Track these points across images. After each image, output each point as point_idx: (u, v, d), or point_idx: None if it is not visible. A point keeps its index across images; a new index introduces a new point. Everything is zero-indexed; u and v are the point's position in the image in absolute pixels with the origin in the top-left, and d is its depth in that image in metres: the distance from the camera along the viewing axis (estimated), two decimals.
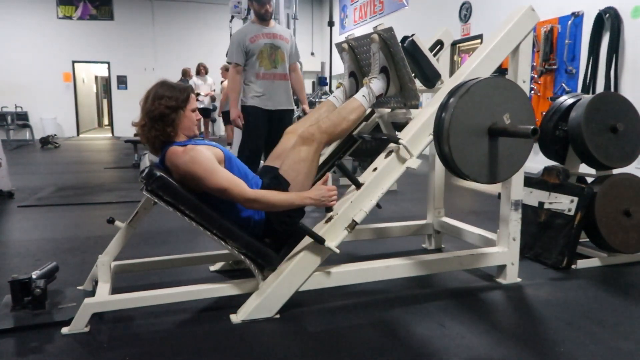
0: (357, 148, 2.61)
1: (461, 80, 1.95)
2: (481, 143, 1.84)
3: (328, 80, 7.27)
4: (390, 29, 1.99)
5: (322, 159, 2.50)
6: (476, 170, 1.86)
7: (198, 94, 8.48)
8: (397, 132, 2.11)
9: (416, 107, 2.13)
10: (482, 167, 1.86)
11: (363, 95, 2.10)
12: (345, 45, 2.32)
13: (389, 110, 2.46)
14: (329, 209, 1.94)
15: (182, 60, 11.35)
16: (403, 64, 2.02)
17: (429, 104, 2.08)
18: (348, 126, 2.08)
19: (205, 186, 1.81)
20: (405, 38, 2.12)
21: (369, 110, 2.56)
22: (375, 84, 2.11)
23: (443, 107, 1.83)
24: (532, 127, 1.69)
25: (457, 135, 1.79)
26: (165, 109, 1.84)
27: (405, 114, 2.27)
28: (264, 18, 3.41)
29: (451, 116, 1.77)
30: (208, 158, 1.82)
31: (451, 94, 1.84)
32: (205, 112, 8.93)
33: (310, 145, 1.96)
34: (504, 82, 1.90)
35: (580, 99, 2.62)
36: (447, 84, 2.07)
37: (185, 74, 9.03)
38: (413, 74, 2.12)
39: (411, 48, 2.08)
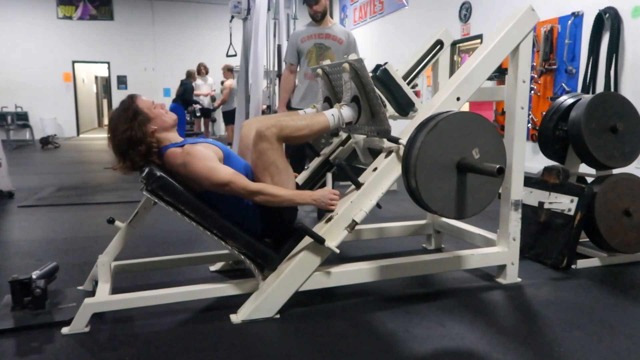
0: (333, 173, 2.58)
1: (432, 113, 1.92)
2: (449, 178, 1.81)
3: None
4: (360, 60, 1.96)
5: (322, 159, 2.51)
6: (443, 205, 1.82)
7: (197, 102, 8.45)
8: (372, 159, 2.09)
9: (387, 133, 2.07)
10: (449, 202, 1.82)
11: (332, 114, 2.04)
12: (319, 71, 2.31)
13: (364, 136, 2.43)
14: (327, 211, 1.95)
15: (182, 60, 11.36)
16: (373, 95, 1.99)
17: (426, 106, 2.08)
18: (309, 134, 1.99)
19: (208, 183, 1.81)
20: (377, 67, 2.10)
21: (345, 135, 2.54)
22: (346, 111, 2.06)
23: (411, 141, 1.80)
24: (497, 166, 1.65)
25: (424, 170, 1.75)
26: (126, 138, 1.84)
27: (379, 142, 2.25)
28: (314, 18, 3.43)
29: (418, 151, 1.73)
30: (207, 156, 1.83)
31: (420, 127, 1.81)
32: (206, 112, 8.93)
33: (269, 142, 1.86)
34: (474, 117, 1.86)
35: (580, 99, 2.62)
36: (421, 112, 2.03)
37: (190, 75, 8.87)
38: (385, 103, 2.09)
39: (384, 77, 2.06)
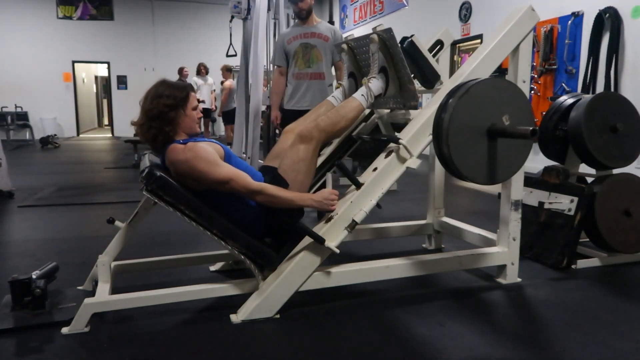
0: (356, 149, 2.61)
1: (460, 81, 1.95)
2: (480, 144, 1.84)
3: None
4: (389, 30, 1.99)
5: (322, 159, 2.51)
6: (475, 171, 1.85)
7: (201, 101, 8.43)
8: (396, 133, 2.11)
9: (415, 107, 2.13)
10: (480, 168, 1.86)
11: (362, 95, 2.11)
12: (344, 46, 2.32)
13: (388, 110, 2.46)
14: (327, 211, 1.95)
15: (182, 60, 11.33)
16: (402, 65, 2.02)
17: (429, 104, 2.09)
18: (346, 125, 2.08)
19: (209, 181, 1.81)
20: (404, 39, 2.12)
21: (368, 111, 2.56)
22: (374, 84, 2.11)
23: (442, 107, 1.83)
24: (531, 128, 1.69)
25: (456, 136, 1.78)
26: (163, 108, 1.84)
27: (405, 115, 2.27)
28: (299, 16, 3.42)
29: (450, 116, 1.76)
30: (210, 153, 1.83)
31: (450, 94, 1.84)
32: (206, 112, 8.92)
33: (308, 143, 1.96)
34: (504, 83, 1.90)
35: (580, 99, 2.62)
36: (447, 84, 2.07)
37: (180, 72, 8.92)
38: (412, 75, 2.12)
39: (410, 49, 2.08)
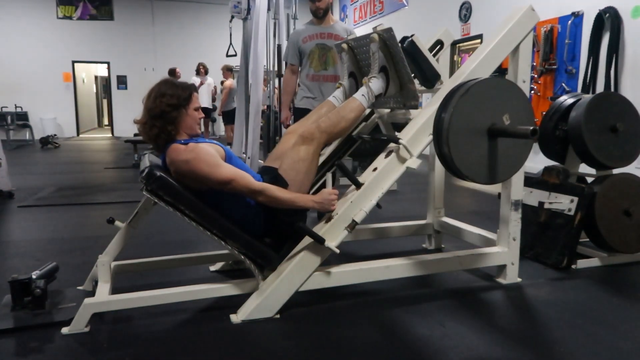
0: (356, 148, 2.61)
1: (461, 81, 1.95)
2: (480, 143, 1.84)
3: None
4: (389, 29, 1.99)
5: (322, 159, 2.51)
6: (475, 171, 1.86)
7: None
8: (396, 133, 2.11)
9: (415, 107, 2.13)
10: (481, 168, 1.86)
11: (362, 95, 2.11)
12: (344, 46, 2.32)
13: (388, 110, 2.46)
14: (328, 211, 1.95)
15: (182, 60, 11.34)
16: (402, 64, 2.02)
17: (429, 103, 2.09)
18: (347, 125, 2.09)
19: (210, 181, 1.81)
20: (404, 38, 2.12)
21: (368, 111, 2.56)
22: (375, 84, 2.11)
23: (443, 107, 1.83)
24: (531, 128, 1.69)
25: (457, 136, 1.78)
26: (166, 107, 1.84)
27: (405, 115, 2.27)
28: (316, 15, 3.34)
29: (451, 116, 1.77)
30: (211, 154, 1.83)
31: (451, 94, 1.84)
32: (206, 112, 8.92)
33: (309, 144, 1.97)
34: (504, 83, 1.90)
35: (580, 99, 2.62)
36: (447, 84, 2.07)
37: (172, 73, 8.87)
38: (412, 75, 2.12)
39: (411, 48, 2.08)
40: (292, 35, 3.46)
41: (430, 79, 2.15)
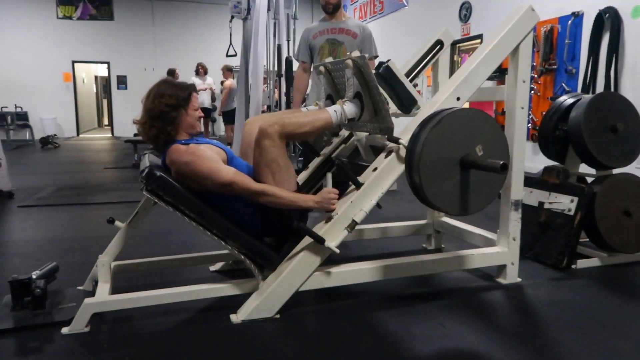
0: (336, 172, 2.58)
1: (435, 109, 1.93)
2: (453, 175, 1.81)
3: None
4: (363, 57, 1.97)
5: (322, 159, 2.51)
6: (447, 202, 1.83)
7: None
8: (374, 157, 2.09)
9: (390, 133, 2.07)
10: (453, 199, 1.83)
11: (335, 110, 2.04)
12: (322, 69, 2.30)
13: (366, 133, 2.43)
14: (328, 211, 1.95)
15: (182, 60, 11.34)
16: (377, 92, 2.00)
17: (429, 103, 2.08)
18: (311, 131, 2.00)
19: (211, 183, 1.81)
20: (380, 64, 2.10)
21: (347, 133, 2.54)
22: (349, 107, 2.06)
23: (414, 138, 1.81)
24: (501, 162, 1.65)
25: (428, 167, 1.76)
26: (165, 107, 1.84)
27: (382, 139, 2.25)
28: (326, 10, 3.29)
29: (422, 147, 1.74)
30: (211, 156, 1.83)
31: (423, 124, 1.82)
32: (206, 112, 8.92)
33: (271, 139, 1.86)
34: (476, 113, 1.86)
35: (580, 99, 2.62)
36: (424, 109, 2.04)
37: (172, 73, 8.84)
38: (387, 101, 2.09)
39: (386, 74, 2.06)
40: (304, 33, 3.43)
41: (406, 104, 2.14)
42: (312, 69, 3.33)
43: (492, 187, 1.91)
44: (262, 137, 1.87)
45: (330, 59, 2.31)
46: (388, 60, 2.09)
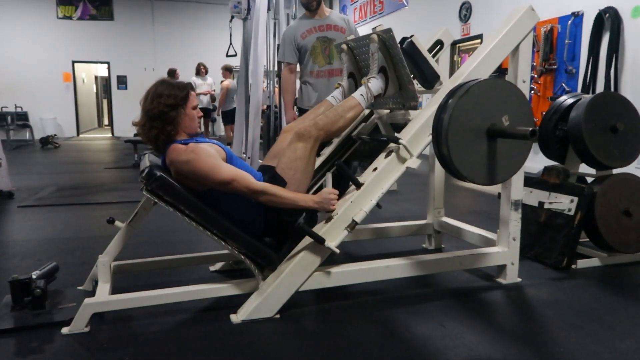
0: (356, 149, 2.61)
1: (460, 81, 1.95)
2: (480, 144, 1.84)
3: None
4: (389, 30, 1.99)
5: (322, 159, 2.51)
6: (474, 172, 1.85)
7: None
8: (396, 133, 2.10)
9: (415, 108, 2.12)
10: (480, 169, 1.86)
11: (361, 94, 2.10)
12: (344, 46, 2.32)
13: (387, 111, 2.45)
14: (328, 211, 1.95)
15: (182, 60, 11.34)
16: (402, 65, 2.02)
17: (429, 104, 2.09)
18: (345, 124, 2.08)
19: (211, 182, 1.81)
20: (404, 39, 2.12)
21: (367, 111, 2.56)
22: (374, 84, 2.11)
23: (442, 107, 1.83)
24: (530, 129, 1.69)
25: (456, 136, 1.78)
26: (164, 108, 1.84)
27: (404, 115, 2.27)
28: (308, 8, 3.15)
29: (450, 117, 1.77)
30: (211, 154, 1.84)
31: (450, 94, 1.84)
32: (205, 112, 8.91)
33: (306, 142, 1.96)
34: (503, 84, 1.90)
35: (580, 99, 2.62)
36: (446, 84, 2.07)
37: (172, 73, 8.82)
38: (412, 75, 2.12)
39: (410, 49, 2.08)
40: (287, 32, 3.28)
41: (430, 79, 2.15)
42: (302, 69, 3.23)
43: (517, 157, 1.94)
44: (297, 140, 1.96)
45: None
46: (412, 35, 2.10)
